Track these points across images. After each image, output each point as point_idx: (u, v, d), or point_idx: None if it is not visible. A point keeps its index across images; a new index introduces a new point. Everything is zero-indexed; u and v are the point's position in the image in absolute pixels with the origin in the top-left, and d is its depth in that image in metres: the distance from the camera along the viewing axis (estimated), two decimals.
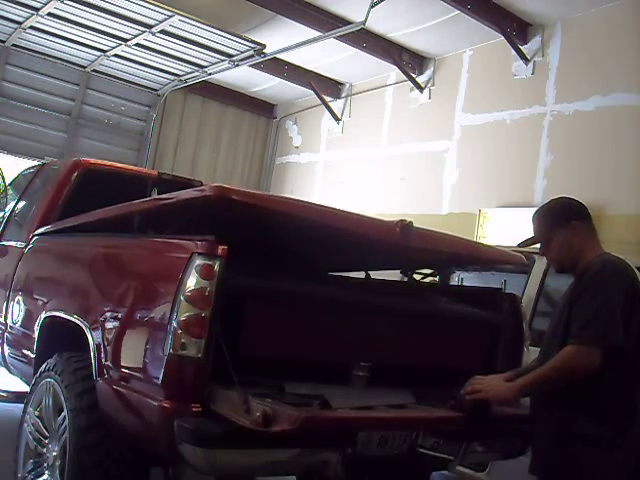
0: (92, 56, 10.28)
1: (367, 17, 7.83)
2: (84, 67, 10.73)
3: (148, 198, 3.06)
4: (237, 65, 9.78)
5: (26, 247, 4.12)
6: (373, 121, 10.63)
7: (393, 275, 4.65)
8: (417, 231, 2.79)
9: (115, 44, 9.68)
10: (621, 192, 7.02)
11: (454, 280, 6.57)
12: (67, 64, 10.62)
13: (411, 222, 2.75)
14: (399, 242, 2.76)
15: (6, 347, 4.05)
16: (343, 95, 11.44)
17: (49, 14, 8.87)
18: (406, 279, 4.14)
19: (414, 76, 9.88)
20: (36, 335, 3.41)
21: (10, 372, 4.20)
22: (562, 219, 2.62)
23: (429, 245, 2.97)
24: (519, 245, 2.84)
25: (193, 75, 10.58)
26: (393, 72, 10.05)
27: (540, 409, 2.60)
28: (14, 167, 8.31)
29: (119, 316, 2.77)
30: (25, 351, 3.68)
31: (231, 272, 2.41)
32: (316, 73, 11.14)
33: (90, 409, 2.71)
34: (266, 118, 13.02)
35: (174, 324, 2.33)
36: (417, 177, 9.62)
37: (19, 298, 3.93)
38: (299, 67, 10.90)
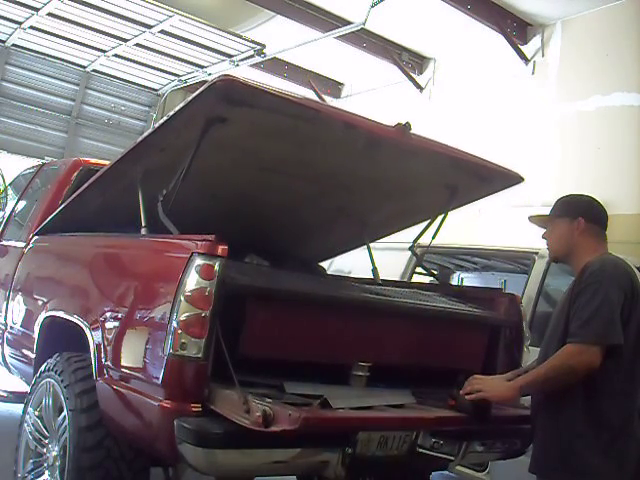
0: (92, 56, 10.28)
1: (367, 17, 7.83)
2: (84, 67, 10.72)
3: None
4: (237, 65, 9.78)
5: (26, 247, 4.12)
6: None
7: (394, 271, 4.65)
8: (415, 135, 2.95)
9: (115, 44, 9.68)
10: (621, 192, 7.01)
11: (454, 280, 6.59)
12: (67, 64, 10.61)
13: (409, 123, 2.89)
14: (397, 138, 2.89)
15: (6, 347, 4.05)
16: (343, 95, 11.43)
17: (49, 14, 8.86)
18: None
19: (414, 76, 9.88)
20: (36, 335, 3.40)
21: (10, 372, 4.20)
22: (572, 211, 2.65)
23: (426, 146, 3.07)
24: (530, 218, 2.84)
25: (193, 75, 10.57)
26: (393, 72, 10.05)
27: (540, 409, 2.60)
28: (14, 167, 8.30)
29: (119, 316, 2.77)
30: (25, 351, 3.68)
31: (231, 271, 2.42)
32: (316, 73, 11.13)
33: (90, 409, 2.70)
34: None
35: (174, 324, 2.32)
36: None
37: (19, 298, 3.93)
38: (299, 67, 10.90)
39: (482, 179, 3.42)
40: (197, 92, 2.54)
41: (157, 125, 2.84)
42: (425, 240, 3.86)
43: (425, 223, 3.83)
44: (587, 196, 2.75)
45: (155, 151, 2.98)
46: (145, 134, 2.95)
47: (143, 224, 3.05)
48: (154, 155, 3.01)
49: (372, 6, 7.66)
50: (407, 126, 2.90)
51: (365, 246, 4.24)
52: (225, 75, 2.48)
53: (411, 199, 3.69)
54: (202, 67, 10.18)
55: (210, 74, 10.41)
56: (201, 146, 2.72)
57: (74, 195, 3.59)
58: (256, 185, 3.44)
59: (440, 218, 3.68)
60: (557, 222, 2.68)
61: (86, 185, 3.40)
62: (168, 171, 2.87)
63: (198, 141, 2.71)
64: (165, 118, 2.75)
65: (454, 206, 3.61)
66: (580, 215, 2.62)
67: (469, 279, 6.69)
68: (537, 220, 2.80)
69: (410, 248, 3.96)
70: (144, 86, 11.30)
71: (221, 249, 2.37)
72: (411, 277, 5.45)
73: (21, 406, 3.27)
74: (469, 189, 3.55)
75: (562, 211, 2.69)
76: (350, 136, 2.92)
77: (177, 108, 2.67)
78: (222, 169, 3.22)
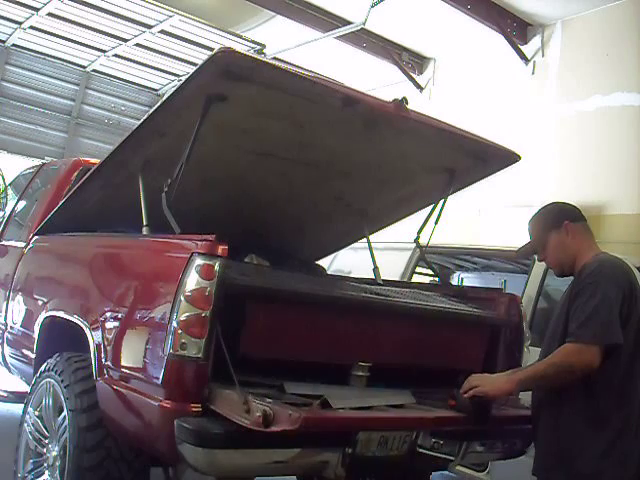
0: (92, 56, 10.30)
1: (367, 17, 7.84)
2: (84, 67, 10.74)
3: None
4: None
5: (26, 247, 4.12)
6: None
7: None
8: (412, 110, 3.03)
9: (115, 44, 9.70)
10: (621, 192, 7.02)
11: (454, 280, 6.60)
12: (67, 64, 10.63)
13: (405, 97, 2.98)
14: (394, 113, 2.97)
15: (6, 347, 4.05)
16: None
17: (49, 14, 8.89)
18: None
19: (414, 76, 9.88)
20: (36, 335, 3.40)
21: (10, 372, 4.20)
22: (555, 221, 2.64)
23: (422, 120, 3.14)
24: (517, 253, 2.85)
25: None
26: (393, 72, 10.05)
27: (541, 409, 2.60)
28: (14, 167, 8.31)
29: (119, 316, 2.76)
30: (25, 351, 3.68)
31: (232, 271, 2.41)
32: (316, 73, 11.13)
33: (90, 409, 2.70)
34: None
35: (174, 324, 2.32)
36: None
37: (19, 298, 3.92)
38: (299, 67, 10.90)
39: (478, 159, 3.44)
40: (197, 67, 2.54)
41: (157, 105, 2.83)
42: (425, 240, 3.84)
43: (425, 214, 3.81)
44: (552, 203, 2.76)
45: (155, 136, 2.97)
46: (145, 117, 2.93)
47: (144, 222, 3.04)
48: (154, 141, 3.00)
49: (372, 6, 7.67)
50: (404, 100, 2.95)
51: (365, 240, 4.23)
52: (225, 47, 2.49)
53: (409, 185, 3.69)
54: None
55: None
56: (201, 128, 2.70)
57: (74, 189, 3.58)
58: (255, 174, 3.42)
59: (440, 206, 3.66)
60: (546, 239, 2.65)
61: (85, 178, 3.39)
62: (169, 160, 2.84)
63: (199, 122, 2.70)
64: (166, 97, 2.75)
65: (453, 190, 3.61)
66: (563, 220, 2.62)
67: (469, 279, 6.69)
68: (525, 251, 2.80)
69: (415, 240, 3.90)
70: (144, 86, 11.31)
71: (221, 249, 2.37)
72: (411, 277, 5.45)
73: (21, 406, 3.27)
74: (466, 171, 3.56)
75: (545, 226, 2.67)
76: (348, 114, 2.93)
77: (177, 86, 2.67)
78: (221, 156, 3.21)
